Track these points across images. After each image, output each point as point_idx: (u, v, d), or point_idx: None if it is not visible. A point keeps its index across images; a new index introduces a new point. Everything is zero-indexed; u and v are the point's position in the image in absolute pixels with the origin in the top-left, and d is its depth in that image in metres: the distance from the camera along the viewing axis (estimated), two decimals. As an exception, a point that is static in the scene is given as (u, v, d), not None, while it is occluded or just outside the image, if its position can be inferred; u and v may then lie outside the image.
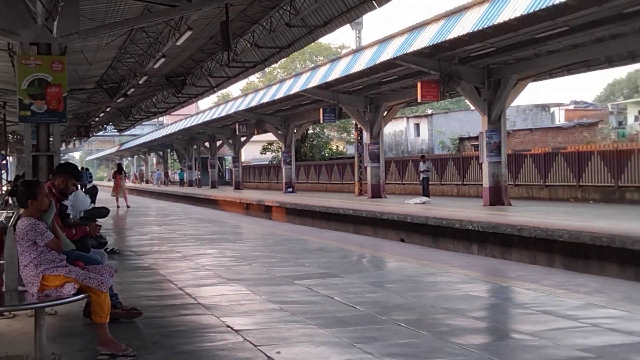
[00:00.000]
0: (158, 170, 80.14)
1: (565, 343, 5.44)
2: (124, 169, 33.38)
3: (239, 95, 47.40)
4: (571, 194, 25.58)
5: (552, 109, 52.61)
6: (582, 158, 25.48)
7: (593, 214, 18.34)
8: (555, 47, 19.98)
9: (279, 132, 41.11)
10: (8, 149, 34.49)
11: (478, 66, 22.49)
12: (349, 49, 36.01)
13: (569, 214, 18.25)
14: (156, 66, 20.65)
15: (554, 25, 17.64)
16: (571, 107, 56.53)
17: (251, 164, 60.67)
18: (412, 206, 23.62)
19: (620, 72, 79.10)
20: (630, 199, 23.04)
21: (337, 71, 26.25)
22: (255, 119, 41.17)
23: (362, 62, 24.03)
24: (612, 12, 16.45)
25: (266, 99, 34.35)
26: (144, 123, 54.11)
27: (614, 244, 13.26)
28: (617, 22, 17.16)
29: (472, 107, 24.36)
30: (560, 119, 51.49)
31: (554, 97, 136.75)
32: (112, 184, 31.40)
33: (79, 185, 7.22)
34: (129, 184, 69.73)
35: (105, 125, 49.31)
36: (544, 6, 15.22)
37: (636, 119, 46.76)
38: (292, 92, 30.54)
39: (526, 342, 5.58)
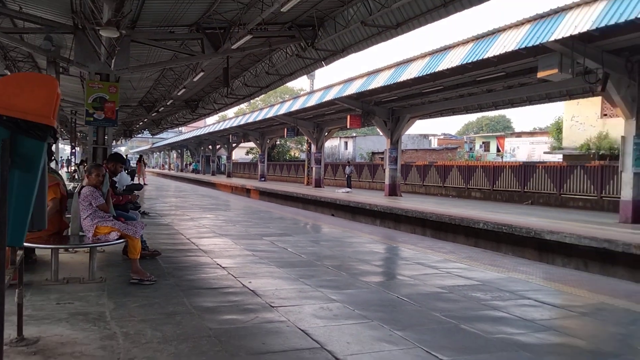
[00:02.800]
0: (177, 162, 78.76)
1: (430, 283, 5.52)
2: (145, 159, 32.87)
3: (233, 116, 46.88)
4: (439, 191, 26.02)
5: (429, 137, 53.39)
6: (447, 169, 25.94)
7: (451, 204, 18.70)
8: (434, 99, 20.27)
9: (258, 141, 40.84)
10: (77, 142, 33.83)
11: (386, 107, 22.67)
12: (306, 91, 35.98)
13: (436, 204, 18.56)
14: (179, 94, 20.31)
15: (434, 85, 17.91)
16: (441, 136, 57.48)
17: (239, 161, 60.00)
18: (340, 194, 23.71)
19: (472, 117, 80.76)
20: (475, 196, 23.57)
21: (297, 105, 26.16)
22: (242, 132, 40.81)
23: (313, 100, 24.00)
24: (470, 79, 16.76)
25: (250, 120, 34.06)
26: (168, 130, 53.04)
27: (463, 223, 13.55)
28: (472, 85, 17.49)
29: (381, 133, 24.51)
30: (434, 144, 52.31)
31: (431, 129, 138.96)
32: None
33: (124, 168, 7.08)
34: (157, 170, 67.91)
35: (142, 130, 48.02)
36: (428, 72, 15.42)
37: (480, 147, 47.83)
38: (268, 116, 30.32)
39: (406, 281, 5.65)
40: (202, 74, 15.78)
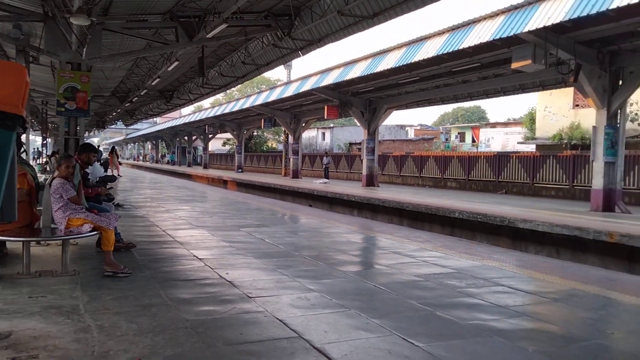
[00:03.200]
0: (152, 153, 77.65)
1: (406, 271, 5.57)
2: (117, 151, 32.37)
3: (209, 107, 46.34)
4: (415, 181, 26.25)
5: (406, 128, 53.75)
6: (423, 160, 26.17)
7: (427, 194, 18.89)
8: (410, 90, 20.39)
9: (234, 132, 40.54)
10: (48, 133, 33.12)
11: (363, 98, 22.71)
12: (283, 81, 35.75)
13: (413, 194, 18.73)
14: (153, 84, 19.99)
15: (410, 75, 17.99)
16: (418, 127, 57.91)
17: (215, 152, 59.46)
18: (317, 185, 23.74)
19: (448, 108, 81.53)
20: (450, 186, 23.86)
21: (274, 95, 26.01)
22: (219, 123, 40.44)
23: (290, 91, 23.89)
24: (446, 70, 16.88)
25: (227, 111, 33.78)
26: (143, 121, 52.16)
27: (439, 212, 13.70)
28: (448, 76, 17.64)
29: (358, 124, 24.56)
30: (411, 134, 52.69)
31: (408, 120, 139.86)
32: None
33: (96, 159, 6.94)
34: (131, 161, 66.83)
35: (116, 121, 47.17)
36: (405, 63, 15.49)
37: (456, 137, 48.36)
38: (245, 107, 30.10)
39: (383, 270, 5.69)
40: (176, 63, 15.54)
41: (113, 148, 29.60)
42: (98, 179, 6.97)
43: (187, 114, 54.24)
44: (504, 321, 3.89)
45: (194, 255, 6.12)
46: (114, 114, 35.30)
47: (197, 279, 4.97)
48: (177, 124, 49.17)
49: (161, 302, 4.14)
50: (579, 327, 3.88)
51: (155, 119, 60.87)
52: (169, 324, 3.61)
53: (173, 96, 25.51)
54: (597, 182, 13.33)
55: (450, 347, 3.29)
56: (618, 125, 13.10)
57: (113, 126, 57.73)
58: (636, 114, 22.43)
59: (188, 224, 9.18)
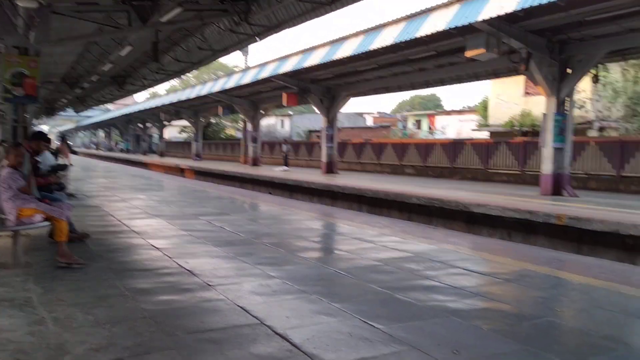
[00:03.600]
0: (105, 141, 75.29)
1: (366, 256, 5.66)
2: (66, 139, 31.23)
3: (164, 93, 45.31)
4: (374, 168, 26.53)
5: (365, 116, 54.17)
6: (382, 147, 26.46)
7: (386, 181, 19.14)
8: (369, 77, 20.50)
9: (191, 120, 39.81)
10: None
11: (322, 85, 22.67)
12: (240, 68, 35.29)
13: (372, 181, 18.94)
14: (105, 69, 19.33)
15: (369, 63, 18.07)
16: (376, 115, 58.45)
17: (172, 140, 58.18)
18: (277, 172, 23.65)
19: (406, 95, 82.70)
20: (408, 173, 24.24)
21: (232, 82, 25.62)
22: (174, 110, 39.50)
23: (248, 77, 23.59)
24: (403, 58, 17.03)
25: (183, 98, 33.02)
26: (94, 108, 50.39)
27: (397, 198, 13.92)
28: (405, 64, 17.81)
29: (318, 111, 24.57)
30: (369, 122, 53.12)
31: (366, 108, 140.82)
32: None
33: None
34: (83, 150, 64.63)
35: (66, 108, 45.36)
36: (363, 50, 15.54)
37: (413, 124, 49.12)
38: (202, 94, 29.54)
39: (344, 256, 5.76)
40: (129, 48, 15.04)
41: (63, 136, 28.51)
42: (49, 167, 6.71)
43: (141, 100, 52.85)
44: (459, 302, 4.01)
45: (152, 245, 6.01)
46: (64, 100, 33.95)
47: (155, 269, 4.89)
48: (131, 111, 47.72)
49: (118, 293, 4.05)
50: (531, 306, 4.05)
51: (107, 106, 58.91)
52: (127, 314, 3.55)
53: (126, 82, 24.70)
54: (547, 167, 13.84)
55: (409, 328, 3.38)
56: (566, 112, 13.61)
57: (63, 113, 55.53)
58: (584, 102, 23.37)
59: (145, 213, 8.98)
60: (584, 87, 22.15)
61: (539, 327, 3.48)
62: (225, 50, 16.27)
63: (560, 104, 13.49)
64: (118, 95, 29.93)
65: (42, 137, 6.30)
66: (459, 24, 12.07)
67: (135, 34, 13.12)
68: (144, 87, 26.00)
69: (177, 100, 34.15)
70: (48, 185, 6.14)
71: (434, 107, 69.86)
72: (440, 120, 45.63)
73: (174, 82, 59.27)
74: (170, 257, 5.35)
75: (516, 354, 3.02)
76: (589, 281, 4.78)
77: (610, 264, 5.89)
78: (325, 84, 22.51)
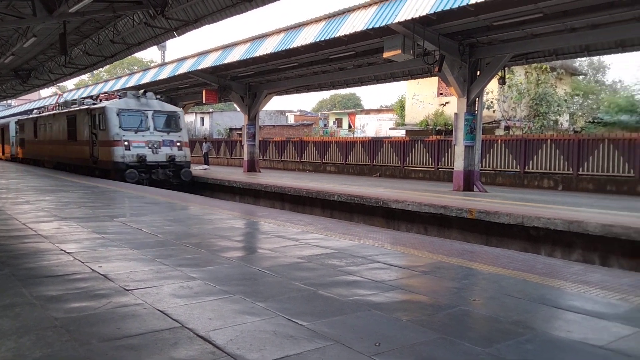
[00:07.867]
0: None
1: (290, 254, 5.67)
2: None
3: (73, 88, 42.74)
4: (296, 166, 26.66)
5: (286, 114, 54.20)
6: (303, 145, 26.64)
7: (308, 179, 19.29)
8: (290, 75, 20.56)
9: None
10: None
11: (243, 82, 22.44)
12: (157, 63, 33.95)
13: (294, 179, 19.01)
14: (6, 62, 17.92)
15: (290, 61, 18.14)
16: (298, 113, 58.69)
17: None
18: (198, 171, 23.08)
19: (326, 94, 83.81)
20: (330, 170, 24.61)
21: (148, 77, 24.68)
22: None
23: (166, 73, 22.82)
24: (323, 57, 17.26)
25: (94, 93, 31.33)
26: (-4, 103, 46.72)
27: (319, 196, 14.08)
28: (325, 63, 18.06)
29: (239, 109, 24.25)
30: (291, 120, 53.25)
31: (288, 106, 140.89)
32: None
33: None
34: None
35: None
36: (284, 48, 15.55)
37: (334, 123, 49.90)
38: (114, 89, 28.16)
39: (267, 254, 5.73)
40: (34, 39, 14.07)
41: None
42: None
43: (47, 95, 49.47)
44: (380, 295, 4.13)
45: (61, 249, 5.65)
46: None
47: (65, 274, 4.60)
48: (36, 106, 44.66)
49: (25, 301, 3.77)
50: (446, 296, 4.25)
51: (9, 101, 54.61)
52: (36, 323, 3.31)
53: (30, 76, 23.08)
54: (459, 164, 14.61)
55: (332, 324, 3.43)
56: (476, 112, 14.42)
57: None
58: (491, 102, 24.88)
59: (53, 215, 8.42)
60: (492, 88, 23.60)
61: (454, 316, 3.66)
62: (141, 45, 15.67)
63: (471, 104, 14.27)
64: (21, 90, 27.92)
65: None
66: (377, 25, 12.41)
67: (41, 24, 12.29)
68: (50, 82, 24.41)
69: (88, 95, 32.35)
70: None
71: (354, 106, 71.38)
72: (360, 119, 46.68)
73: (84, 77, 56.05)
74: (82, 262, 5.05)
75: (433, 343, 3.15)
76: (497, 271, 5.10)
77: (517, 254, 6.32)
78: (246, 81, 22.30)
